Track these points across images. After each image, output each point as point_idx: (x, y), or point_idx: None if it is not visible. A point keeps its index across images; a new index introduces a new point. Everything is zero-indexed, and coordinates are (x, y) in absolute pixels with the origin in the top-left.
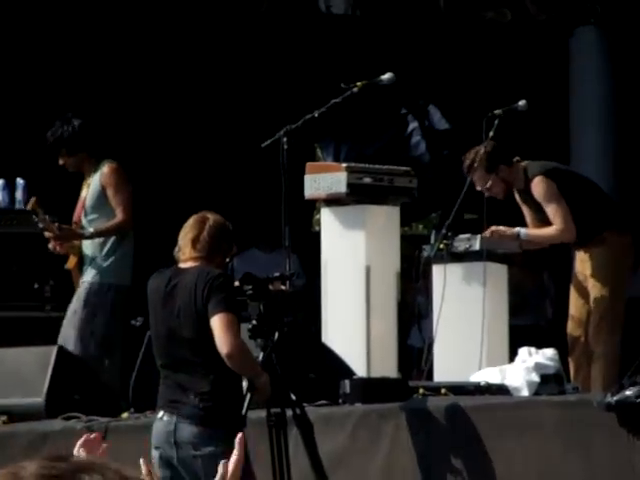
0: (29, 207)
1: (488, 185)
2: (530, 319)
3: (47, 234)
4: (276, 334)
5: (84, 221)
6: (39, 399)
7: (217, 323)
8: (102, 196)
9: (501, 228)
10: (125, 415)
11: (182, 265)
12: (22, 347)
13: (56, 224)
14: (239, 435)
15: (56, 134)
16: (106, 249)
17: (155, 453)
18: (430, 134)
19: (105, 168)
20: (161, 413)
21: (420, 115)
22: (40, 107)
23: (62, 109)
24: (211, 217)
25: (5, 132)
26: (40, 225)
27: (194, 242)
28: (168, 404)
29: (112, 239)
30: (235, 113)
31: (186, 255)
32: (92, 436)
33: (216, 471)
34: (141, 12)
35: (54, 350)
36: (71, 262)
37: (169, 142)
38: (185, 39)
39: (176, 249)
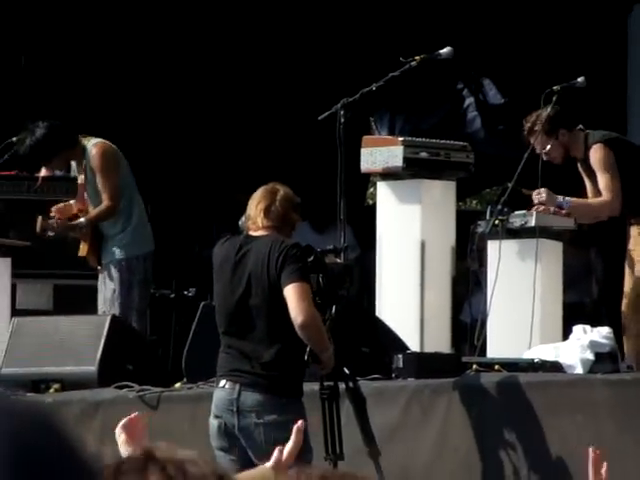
0: (38, 230)
1: (547, 149)
2: (574, 297)
3: (50, 234)
4: (333, 307)
5: (91, 208)
6: (92, 368)
7: (292, 292)
8: (95, 180)
9: (544, 196)
10: (178, 385)
11: (253, 233)
12: (76, 315)
13: (59, 222)
14: (299, 422)
15: (27, 148)
16: (121, 224)
17: (214, 422)
18: (485, 109)
19: (92, 151)
20: (223, 382)
21: (475, 89)
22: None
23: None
24: (281, 189)
25: (61, 100)
26: (51, 234)
27: (266, 212)
28: (231, 372)
29: (123, 213)
30: (292, 86)
31: (257, 224)
32: (133, 415)
33: (277, 439)
34: None
35: (108, 319)
36: (83, 249)
37: (226, 114)
38: (239, 11)
39: (243, 218)
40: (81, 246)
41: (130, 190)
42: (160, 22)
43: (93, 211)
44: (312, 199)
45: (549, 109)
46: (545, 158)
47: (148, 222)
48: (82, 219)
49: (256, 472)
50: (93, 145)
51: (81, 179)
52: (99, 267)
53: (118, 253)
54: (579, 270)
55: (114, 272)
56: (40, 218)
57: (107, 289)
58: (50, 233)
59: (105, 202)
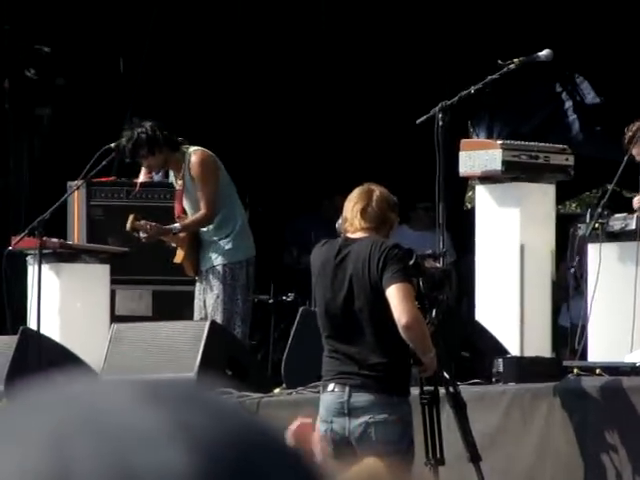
0: (128, 228)
1: None
2: None
3: (141, 235)
4: (434, 311)
5: (189, 215)
6: (191, 374)
7: (395, 293)
8: (194, 188)
9: None
10: (277, 391)
11: (351, 235)
12: (176, 321)
13: (152, 225)
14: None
15: (132, 139)
16: (224, 231)
17: (322, 427)
18: (582, 110)
19: (192, 159)
20: (331, 385)
21: (572, 90)
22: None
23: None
24: (377, 189)
25: (159, 105)
26: (143, 236)
27: (363, 213)
28: (338, 376)
29: (226, 220)
30: (391, 90)
31: (355, 226)
32: (305, 422)
33: (389, 438)
34: None
35: (207, 325)
36: (179, 256)
37: (325, 118)
38: (339, 13)
39: (340, 221)
40: (177, 252)
41: (231, 197)
42: (251, 24)
43: (189, 218)
44: (411, 203)
45: None
46: None
47: (249, 228)
48: (176, 224)
49: (367, 465)
50: (193, 152)
51: (179, 185)
52: (196, 276)
53: (221, 259)
54: None
55: (217, 278)
56: (132, 216)
57: (209, 296)
58: (142, 234)
59: (202, 210)
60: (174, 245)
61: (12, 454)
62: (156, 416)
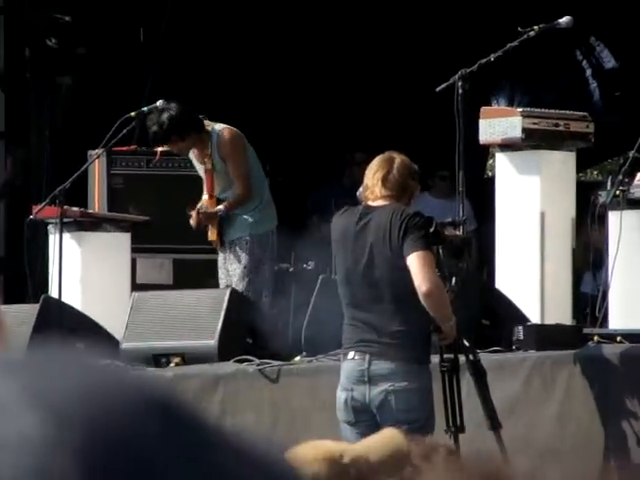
0: (194, 224)
1: None
2: None
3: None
4: (454, 279)
5: (220, 193)
6: (212, 342)
7: (416, 261)
8: (224, 167)
9: None
10: (297, 359)
11: (372, 203)
12: (196, 290)
13: (202, 212)
14: None
15: (163, 125)
16: (252, 204)
17: (342, 395)
18: (601, 75)
19: (221, 138)
20: (351, 353)
21: (590, 56)
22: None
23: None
24: (398, 157)
25: (180, 75)
26: (193, 223)
27: (383, 180)
28: (359, 344)
29: (255, 195)
30: (410, 58)
31: (375, 194)
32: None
33: (409, 406)
34: None
35: (227, 293)
36: (213, 233)
37: (345, 85)
38: None
39: (361, 189)
40: (210, 230)
41: (257, 170)
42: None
43: (231, 200)
44: (431, 171)
45: None
46: None
47: (272, 200)
48: (221, 207)
49: (384, 435)
50: (220, 131)
51: (208, 164)
52: (220, 246)
53: (249, 230)
54: None
55: (243, 249)
56: (194, 213)
57: (234, 266)
58: (191, 222)
59: (239, 190)
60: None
61: None
62: (8, 384)
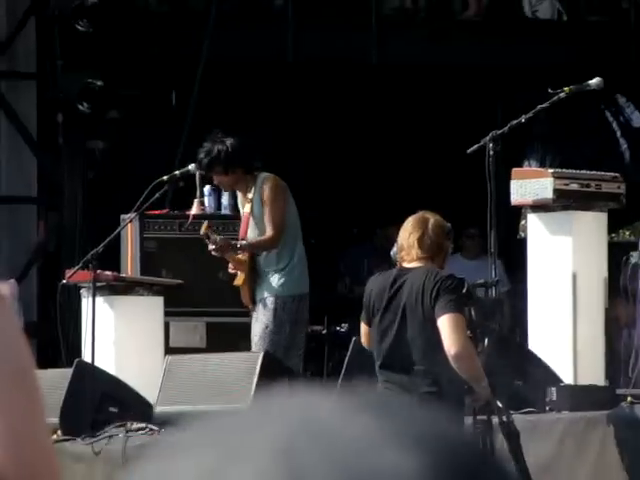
0: (202, 232)
1: None
2: None
3: (210, 247)
4: (486, 340)
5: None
6: (245, 405)
7: (447, 323)
8: (262, 212)
9: None
10: None
11: (407, 265)
12: (229, 353)
13: (222, 238)
14: None
15: (211, 154)
16: (283, 262)
17: None
18: (629, 133)
19: (265, 182)
20: None
21: (616, 112)
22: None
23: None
24: (431, 217)
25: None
26: (211, 247)
27: (420, 242)
28: None
29: (286, 250)
30: (442, 119)
31: (411, 255)
32: None
33: None
34: None
35: (260, 356)
36: (239, 279)
37: (379, 149)
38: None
39: (395, 249)
40: (238, 275)
41: (295, 229)
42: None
43: (256, 238)
44: (464, 233)
45: None
46: None
47: (306, 263)
48: (243, 241)
49: None
50: (266, 177)
51: (247, 208)
52: (251, 305)
53: (275, 290)
54: None
55: (268, 308)
56: (206, 222)
57: (256, 325)
58: (211, 246)
59: (268, 233)
60: (232, 271)
61: (244, 470)
62: (372, 423)
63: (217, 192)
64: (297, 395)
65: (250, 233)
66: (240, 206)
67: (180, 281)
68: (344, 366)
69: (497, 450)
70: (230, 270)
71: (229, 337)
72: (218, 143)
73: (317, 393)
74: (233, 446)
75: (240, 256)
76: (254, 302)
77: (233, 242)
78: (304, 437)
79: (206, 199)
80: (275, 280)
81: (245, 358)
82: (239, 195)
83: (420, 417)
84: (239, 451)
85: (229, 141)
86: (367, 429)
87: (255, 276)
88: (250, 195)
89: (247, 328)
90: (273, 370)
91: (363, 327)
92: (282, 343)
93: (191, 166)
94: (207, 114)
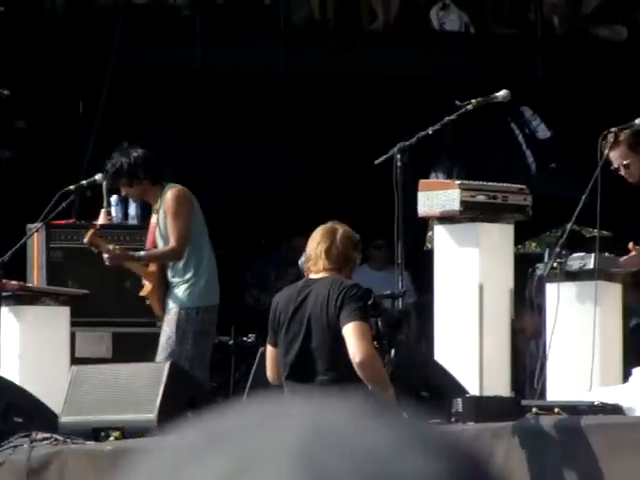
0: (86, 240)
1: (627, 161)
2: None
3: (105, 256)
4: (392, 351)
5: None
6: (151, 415)
7: (351, 331)
8: (166, 223)
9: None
10: None
11: (314, 276)
12: (135, 363)
13: (117, 247)
14: None
15: (115, 166)
16: (189, 273)
17: None
18: (535, 145)
19: (167, 194)
20: None
21: (522, 123)
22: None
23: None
24: (340, 227)
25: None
26: (105, 257)
27: (327, 253)
28: None
29: (192, 261)
30: (349, 130)
31: (318, 266)
32: None
33: None
34: None
35: (166, 366)
36: (146, 289)
37: (284, 159)
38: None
39: (303, 260)
40: (145, 285)
41: (202, 240)
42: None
43: (157, 249)
44: (371, 243)
45: (634, 124)
46: (622, 173)
47: (216, 274)
48: (142, 252)
49: None
50: (170, 188)
51: (154, 219)
52: (160, 315)
53: (180, 301)
54: None
55: (172, 319)
56: (91, 230)
57: (163, 334)
58: (105, 256)
59: (171, 244)
60: (145, 282)
61: (263, 477)
62: (391, 430)
63: (124, 202)
64: (306, 401)
65: (158, 243)
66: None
67: (86, 291)
68: (250, 377)
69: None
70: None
71: (135, 347)
72: (123, 155)
73: (325, 400)
74: (248, 452)
75: (150, 268)
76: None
77: (132, 253)
78: (320, 442)
79: (113, 209)
80: (181, 291)
81: (151, 368)
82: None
83: (427, 426)
84: (255, 457)
85: (134, 153)
86: (383, 435)
87: (165, 287)
88: (157, 206)
89: (153, 338)
90: (179, 380)
91: (269, 352)
92: (184, 354)
93: (98, 176)
94: (115, 123)
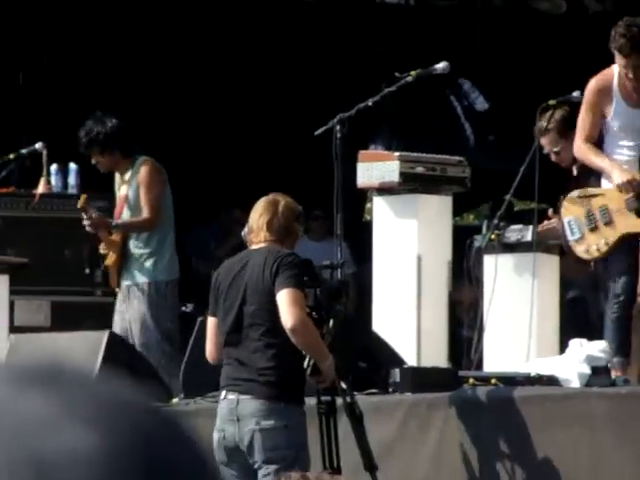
0: (79, 205)
1: (557, 148)
2: (582, 312)
3: (86, 222)
4: (331, 322)
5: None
6: None
7: (284, 298)
8: (138, 194)
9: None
10: (175, 401)
11: (255, 247)
12: (74, 332)
13: (97, 214)
14: None
15: (90, 134)
16: (152, 246)
17: (215, 435)
18: (472, 116)
19: (142, 166)
20: (224, 393)
21: (460, 96)
22: (91, 92)
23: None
24: (282, 199)
25: (58, 117)
26: (86, 222)
27: (269, 225)
28: (231, 382)
29: (158, 234)
30: (289, 101)
31: (260, 237)
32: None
33: (277, 445)
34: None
35: (105, 335)
36: (110, 259)
37: (223, 130)
38: (235, 23)
39: (245, 231)
40: (109, 255)
41: (169, 214)
42: (164, 33)
43: (131, 219)
44: (310, 214)
45: (564, 109)
46: (553, 159)
47: (175, 248)
48: (118, 221)
49: None
50: (144, 160)
51: (124, 190)
52: (117, 288)
53: (148, 275)
54: (585, 284)
55: (144, 294)
56: (84, 196)
57: (133, 310)
58: (86, 222)
59: (145, 214)
60: (104, 251)
61: None
62: (47, 399)
63: (64, 171)
64: None
65: (124, 215)
66: (116, 188)
67: (25, 260)
68: (189, 346)
69: (190, 430)
70: (101, 250)
71: (74, 316)
72: (98, 124)
73: None
74: None
75: (114, 237)
76: (119, 286)
77: (108, 219)
78: None
79: (53, 178)
80: (148, 264)
81: (89, 337)
82: (116, 177)
83: (100, 393)
84: None
85: (109, 122)
86: (39, 407)
87: (124, 259)
88: (126, 177)
89: (92, 307)
90: (118, 349)
91: (210, 323)
92: (159, 328)
93: (38, 144)
94: (54, 93)
